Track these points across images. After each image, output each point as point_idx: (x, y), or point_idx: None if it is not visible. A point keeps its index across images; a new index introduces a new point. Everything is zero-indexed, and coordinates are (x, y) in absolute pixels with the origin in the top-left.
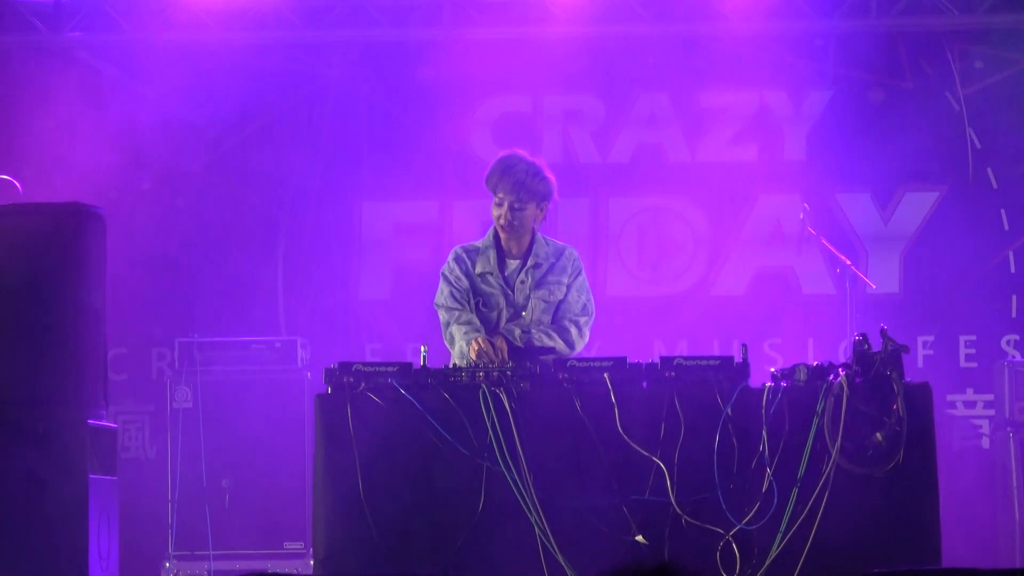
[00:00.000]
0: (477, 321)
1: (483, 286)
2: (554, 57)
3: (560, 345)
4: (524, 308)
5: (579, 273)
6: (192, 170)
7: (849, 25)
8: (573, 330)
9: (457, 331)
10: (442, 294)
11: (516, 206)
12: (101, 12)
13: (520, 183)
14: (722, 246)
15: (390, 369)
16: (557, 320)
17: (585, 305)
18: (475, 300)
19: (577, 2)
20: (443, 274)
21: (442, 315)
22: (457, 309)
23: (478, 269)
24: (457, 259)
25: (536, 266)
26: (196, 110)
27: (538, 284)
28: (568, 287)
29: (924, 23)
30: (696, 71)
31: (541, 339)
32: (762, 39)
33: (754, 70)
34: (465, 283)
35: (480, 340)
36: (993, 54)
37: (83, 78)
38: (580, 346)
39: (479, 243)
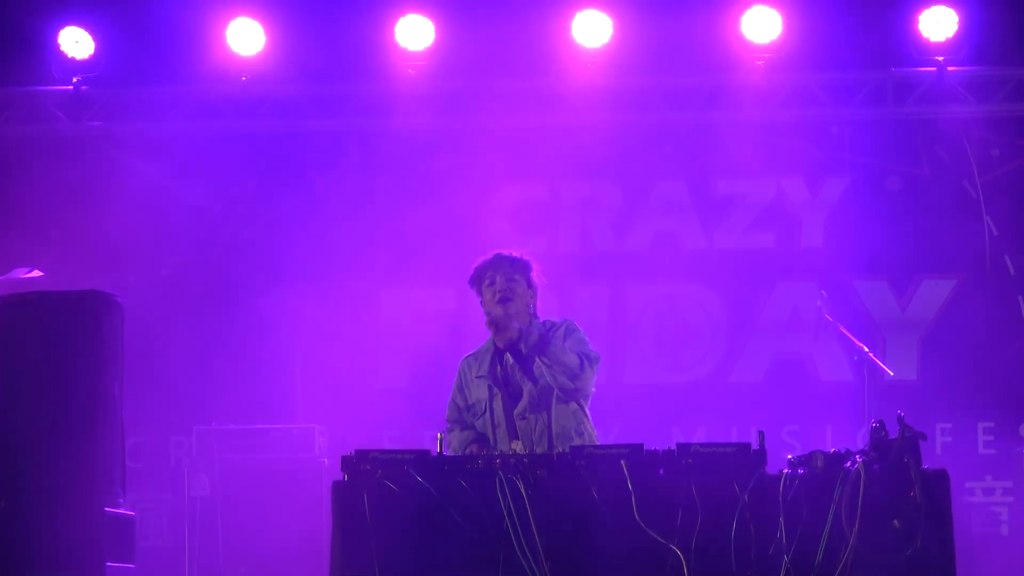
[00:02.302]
0: (472, 431)
1: (473, 391)
2: (571, 145)
3: (558, 365)
4: (522, 389)
5: (575, 331)
6: (210, 257)
7: (865, 113)
8: (571, 357)
9: (454, 440)
10: (450, 409)
11: (508, 277)
12: (119, 102)
13: (508, 259)
14: (739, 333)
15: (407, 456)
16: None
17: (588, 352)
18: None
19: (594, 90)
20: (455, 382)
21: (448, 431)
22: (456, 424)
23: (473, 373)
24: (459, 370)
25: (529, 347)
26: (214, 197)
27: (531, 360)
28: (563, 339)
29: (941, 111)
30: (713, 159)
31: (542, 371)
32: (778, 127)
33: (770, 158)
34: (460, 397)
35: (473, 448)
36: (1010, 142)
37: (102, 166)
38: (585, 376)
39: (482, 346)
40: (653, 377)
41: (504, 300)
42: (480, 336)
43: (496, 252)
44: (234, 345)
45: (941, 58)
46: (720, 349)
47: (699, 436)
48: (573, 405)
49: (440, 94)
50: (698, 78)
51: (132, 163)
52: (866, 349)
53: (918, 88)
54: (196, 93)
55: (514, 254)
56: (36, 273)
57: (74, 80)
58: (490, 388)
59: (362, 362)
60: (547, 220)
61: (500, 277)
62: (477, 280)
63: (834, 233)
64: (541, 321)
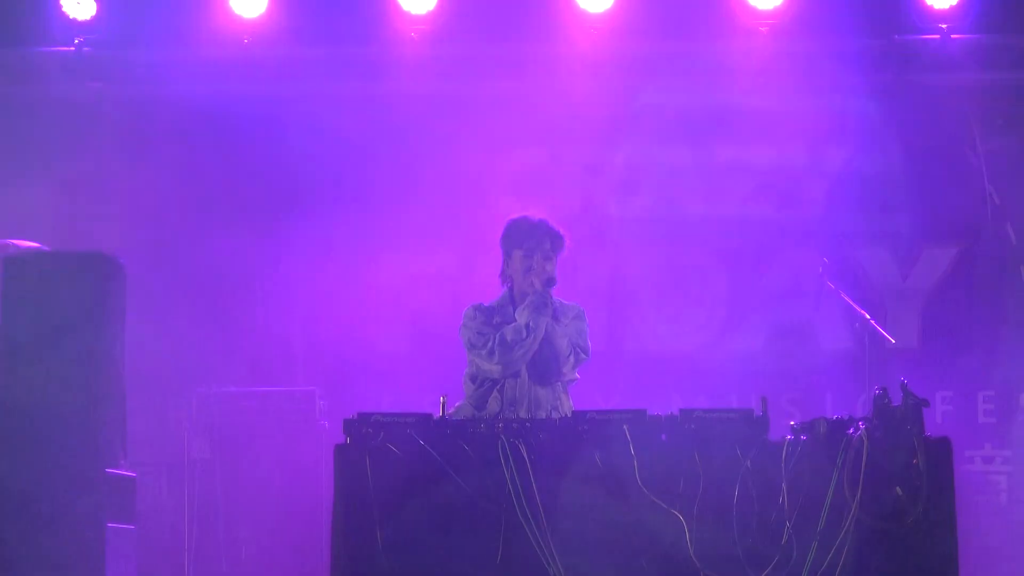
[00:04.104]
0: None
1: None
2: (573, 110)
3: (552, 343)
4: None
5: (581, 319)
6: (212, 220)
7: (869, 80)
8: (565, 343)
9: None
10: (474, 332)
11: (547, 256)
12: (121, 64)
13: (552, 235)
14: (741, 300)
15: (409, 420)
16: None
17: (583, 345)
18: None
19: (597, 55)
20: (465, 325)
21: (480, 345)
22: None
23: (495, 320)
24: (478, 312)
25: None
26: (216, 161)
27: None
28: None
29: (945, 79)
30: (715, 125)
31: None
32: (782, 93)
33: (773, 124)
34: (486, 326)
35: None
36: (1013, 111)
37: (104, 129)
38: (569, 367)
39: (496, 301)
40: (654, 343)
41: (545, 281)
42: (480, 300)
43: (542, 220)
44: (235, 308)
45: (945, 26)
46: (721, 316)
47: (699, 403)
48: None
49: (443, 58)
50: (701, 44)
51: (133, 125)
52: (867, 317)
53: (922, 56)
54: (198, 55)
55: (556, 228)
56: (30, 244)
57: (75, 41)
58: None
59: (362, 326)
60: (548, 185)
61: (539, 256)
62: (515, 243)
63: (836, 201)
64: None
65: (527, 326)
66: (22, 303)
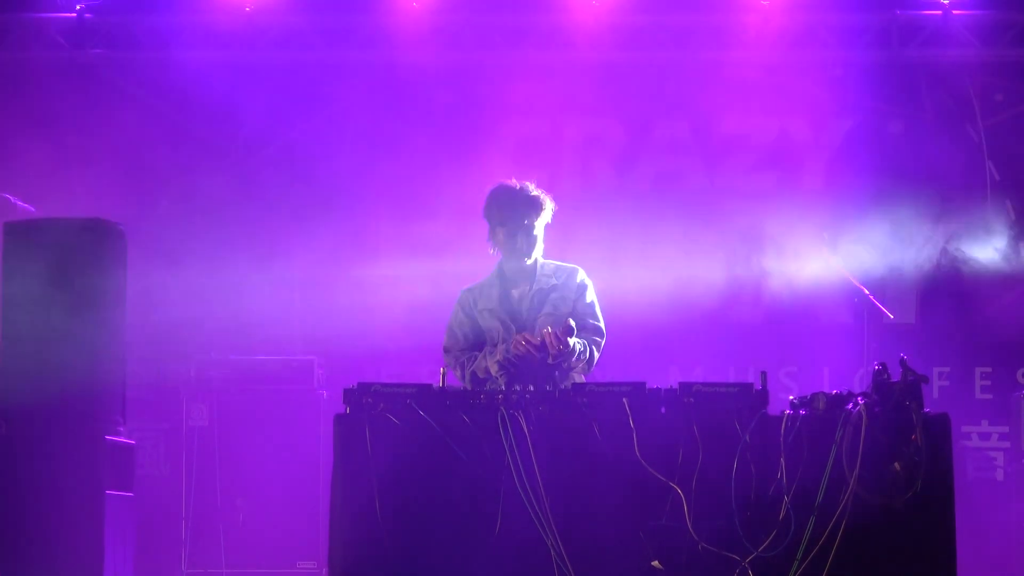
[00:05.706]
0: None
1: (482, 322)
2: (574, 82)
3: (586, 356)
4: (532, 329)
5: (585, 288)
6: (210, 188)
7: (870, 55)
8: (589, 352)
9: (488, 361)
10: (451, 337)
11: (525, 224)
12: (123, 30)
13: (533, 203)
14: (739, 273)
15: (409, 390)
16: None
17: (597, 326)
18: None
19: (598, 28)
20: (449, 325)
21: (453, 358)
22: (457, 352)
23: (480, 306)
24: (460, 302)
25: (540, 290)
26: (215, 129)
27: (542, 302)
28: (574, 301)
29: (945, 55)
30: (716, 98)
31: (579, 345)
32: (783, 68)
33: (774, 98)
34: (467, 325)
35: (518, 337)
36: (1013, 87)
37: (104, 95)
38: (594, 362)
39: (486, 279)
40: (652, 316)
41: (524, 252)
42: (479, 271)
43: (521, 191)
44: (233, 275)
45: (947, 1)
46: (719, 289)
47: (697, 375)
48: None
49: (444, 28)
50: (703, 17)
51: (135, 92)
52: (866, 291)
53: (923, 31)
54: (200, 22)
55: (534, 195)
56: (26, 206)
57: (77, 8)
58: (503, 322)
59: (361, 295)
60: (548, 157)
61: (522, 235)
62: (496, 220)
63: (836, 175)
64: (545, 262)
65: (491, 375)
66: (23, 270)
